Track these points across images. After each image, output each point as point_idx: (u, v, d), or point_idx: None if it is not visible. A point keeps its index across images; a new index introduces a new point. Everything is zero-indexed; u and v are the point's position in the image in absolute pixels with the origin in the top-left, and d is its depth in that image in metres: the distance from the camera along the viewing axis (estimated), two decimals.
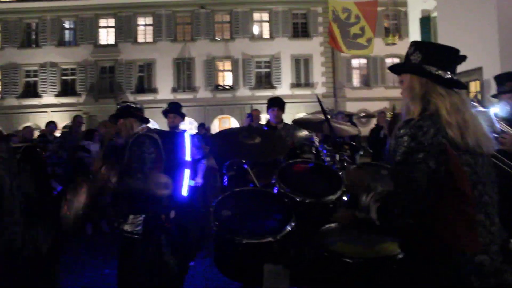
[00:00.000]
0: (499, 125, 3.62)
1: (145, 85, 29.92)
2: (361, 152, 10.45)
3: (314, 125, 3.88)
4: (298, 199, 3.25)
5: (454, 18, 15.45)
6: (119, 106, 4.37)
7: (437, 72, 2.14)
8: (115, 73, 29.87)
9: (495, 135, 3.41)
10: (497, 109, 4.00)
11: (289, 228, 2.99)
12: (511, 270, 1.99)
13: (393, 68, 2.42)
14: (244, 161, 4.35)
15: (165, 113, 6.17)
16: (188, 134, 5.83)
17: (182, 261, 4.58)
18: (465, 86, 2.22)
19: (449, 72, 2.16)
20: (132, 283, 3.95)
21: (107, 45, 30.15)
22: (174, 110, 6.09)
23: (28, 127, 11.06)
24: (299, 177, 3.62)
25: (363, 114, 27.82)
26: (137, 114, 4.24)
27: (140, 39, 30.36)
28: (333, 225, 3.06)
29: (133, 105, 4.34)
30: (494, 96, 4.13)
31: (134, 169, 3.87)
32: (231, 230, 2.97)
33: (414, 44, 2.27)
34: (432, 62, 2.16)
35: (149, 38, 30.26)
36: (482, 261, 1.94)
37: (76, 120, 10.20)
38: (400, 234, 2.28)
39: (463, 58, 2.23)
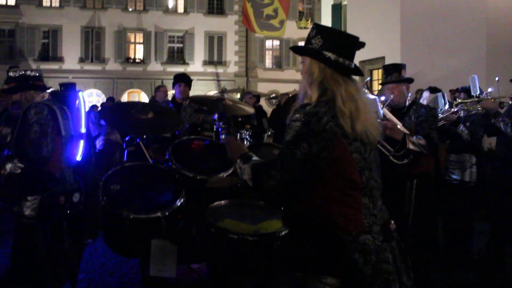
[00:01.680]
0: (382, 111, 3.85)
1: (50, 53, 28.28)
2: (269, 133, 10.66)
3: (210, 102, 3.89)
4: (189, 175, 3.27)
5: (362, 8, 16.12)
6: (12, 75, 4.00)
7: (336, 59, 2.16)
8: (15, 37, 27.88)
9: (379, 120, 3.65)
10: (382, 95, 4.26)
11: (178, 203, 3.01)
12: (390, 248, 2.13)
13: (295, 49, 2.41)
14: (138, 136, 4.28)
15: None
16: (83, 104, 5.60)
17: (79, 242, 4.43)
18: (362, 73, 2.29)
19: (347, 60, 2.18)
20: (26, 269, 3.75)
21: (7, 6, 28.01)
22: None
23: None
24: (194, 154, 3.64)
25: (273, 95, 28.28)
26: (36, 84, 3.97)
27: (46, 2, 28.52)
28: (222, 202, 3.11)
29: (31, 74, 4.00)
30: (381, 84, 4.36)
31: (32, 140, 3.64)
32: (119, 205, 2.93)
33: (315, 27, 2.26)
34: (332, 49, 2.17)
35: (56, 2, 28.53)
36: (365, 240, 2.05)
37: None
38: (285, 211, 2.37)
39: (362, 44, 2.26)
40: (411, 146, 3.65)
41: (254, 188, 2.24)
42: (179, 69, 28.40)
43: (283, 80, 29.67)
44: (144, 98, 28.43)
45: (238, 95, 23.03)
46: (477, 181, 5.57)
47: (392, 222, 2.24)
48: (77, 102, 5.14)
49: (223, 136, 3.73)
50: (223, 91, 3.75)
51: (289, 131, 2.09)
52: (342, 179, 2.08)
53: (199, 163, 3.49)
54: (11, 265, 3.93)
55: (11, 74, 4.05)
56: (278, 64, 31.51)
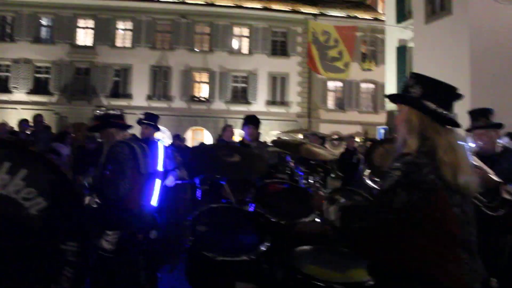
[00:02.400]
0: (472, 159, 3.70)
1: (120, 90, 29.57)
2: (333, 175, 10.58)
3: (292, 147, 3.92)
4: (273, 220, 3.28)
5: (429, 50, 15.90)
6: (97, 114, 4.26)
7: (436, 110, 2.15)
8: (90, 75, 29.40)
9: None
10: (471, 144, 4.05)
11: (263, 248, 3.01)
12: None
13: (393, 97, 2.40)
14: (219, 176, 4.36)
15: (140, 122, 6.13)
16: (162, 144, 5.80)
17: (154, 277, 4.52)
18: (459, 125, 2.25)
19: (446, 110, 2.16)
20: None
21: (84, 46, 29.71)
22: (150, 121, 6.07)
23: (3, 124, 10.63)
24: (275, 197, 3.66)
25: (335, 136, 28.18)
26: (117, 123, 4.17)
27: (119, 43, 30.07)
28: (306, 247, 3.10)
29: (112, 113, 4.20)
30: (468, 130, 4.17)
31: (110, 179, 3.80)
32: (206, 246, 2.97)
33: (415, 76, 2.26)
34: (432, 98, 2.16)
35: (128, 43, 30.01)
36: None
37: (37, 120, 9.74)
38: (374, 263, 2.32)
39: (460, 96, 2.24)
40: (506, 196, 3.45)
41: (340, 229, 2.22)
42: (242, 108, 28.95)
43: (345, 122, 29.54)
44: (207, 135, 29.04)
45: (300, 136, 23.05)
46: None
47: (495, 280, 2.16)
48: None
49: (305, 181, 3.77)
50: (307, 136, 3.78)
51: (388, 179, 2.08)
52: (442, 232, 2.04)
53: (280, 206, 3.51)
54: None
55: (96, 113, 4.28)
56: (341, 105, 31.41)
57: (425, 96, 2.17)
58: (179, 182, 7.33)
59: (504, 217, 3.48)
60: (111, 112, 4.24)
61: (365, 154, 4.11)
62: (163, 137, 23.25)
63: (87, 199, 3.80)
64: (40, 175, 2.35)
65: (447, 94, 2.22)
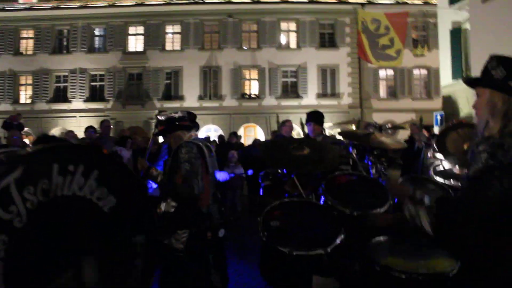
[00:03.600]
0: None
1: (172, 93, 30.16)
2: (394, 165, 10.34)
3: (361, 137, 3.86)
4: (346, 212, 3.24)
5: (487, 30, 15.23)
6: (161, 119, 4.28)
7: None
8: (142, 80, 30.21)
9: None
10: None
11: (338, 240, 2.98)
12: None
13: (473, 81, 2.35)
14: (284, 171, 4.35)
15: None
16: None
17: (225, 274, 4.57)
18: None
19: None
20: None
21: (136, 52, 30.55)
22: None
23: (71, 131, 11.06)
24: (345, 189, 3.61)
25: (389, 125, 27.61)
26: (183, 124, 4.22)
27: (168, 46, 30.67)
28: (382, 238, 3.03)
29: (177, 116, 4.24)
30: None
31: (184, 179, 3.84)
32: (280, 241, 2.97)
33: (496, 58, 2.21)
34: None
35: (177, 46, 30.55)
36: None
37: (104, 125, 10.12)
38: (464, 252, 2.24)
39: None
40: None
41: (436, 228, 2.15)
42: (293, 102, 28.89)
43: (398, 110, 28.87)
44: (259, 132, 29.14)
45: (353, 127, 22.76)
46: None
47: None
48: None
49: (374, 171, 3.70)
50: (372, 125, 3.71)
51: (475, 164, 2.02)
52: None
53: (351, 198, 3.45)
54: None
55: (160, 118, 4.32)
56: (393, 93, 30.72)
57: (509, 77, 2.12)
58: (232, 175, 7.37)
59: None
60: (175, 115, 4.28)
61: (437, 141, 3.99)
62: (215, 135, 23.55)
63: (162, 206, 3.87)
64: (110, 174, 2.45)
65: None
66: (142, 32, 30.73)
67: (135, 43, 30.87)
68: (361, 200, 3.42)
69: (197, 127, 5.90)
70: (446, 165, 3.92)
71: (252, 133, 29.55)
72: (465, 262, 2.35)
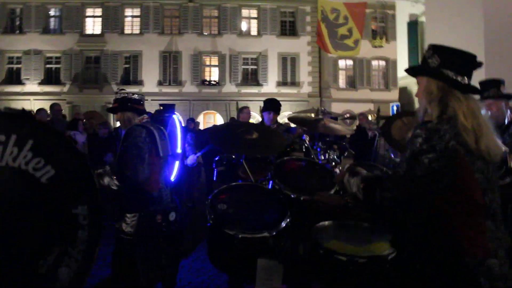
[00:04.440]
0: None
1: (130, 77, 29.69)
2: (346, 154, 10.55)
3: (309, 123, 3.91)
4: (293, 196, 3.28)
5: (441, 24, 15.55)
6: (116, 96, 4.24)
7: (454, 77, 2.17)
8: (100, 64, 29.56)
9: None
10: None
11: (284, 224, 3.02)
12: None
13: (411, 71, 2.43)
14: (234, 156, 4.36)
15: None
16: (178, 120, 5.81)
17: (176, 259, 4.56)
18: (480, 91, 2.26)
19: (466, 78, 2.19)
20: (124, 281, 3.91)
21: (93, 35, 29.82)
22: (169, 112, 6.16)
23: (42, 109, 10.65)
24: (293, 174, 3.65)
25: (347, 115, 28.02)
26: (135, 107, 4.16)
27: (127, 30, 30.09)
28: (326, 222, 3.09)
29: (131, 97, 4.18)
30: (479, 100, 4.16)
31: (131, 161, 3.81)
32: (227, 224, 2.99)
33: (432, 47, 2.28)
34: (450, 67, 2.18)
35: (136, 30, 30.01)
36: (492, 265, 2.00)
37: (55, 109, 9.88)
38: (398, 234, 2.32)
39: (480, 64, 2.25)
40: None
41: (363, 200, 2.23)
42: (253, 90, 28.91)
43: (357, 100, 29.36)
44: (219, 119, 29.06)
45: (313, 115, 22.99)
46: None
47: None
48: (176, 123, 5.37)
49: (322, 157, 3.75)
50: (323, 111, 3.76)
51: (410, 146, 2.08)
52: (465, 200, 2.04)
53: (299, 183, 3.50)
54: (111, 275, 4.10)
55: (116, 95, 4.27)
56: (352, 83, 31.20)
57: (443, 65, 2.19)
58: (194, 164, 7.39)
59: (510, 185, 3.50)
60: (131, 96, 4.22)
61: (383, 128, 4.09)
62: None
63: (106, 181, 3.83)
64: (46, 144, 2.38)
65: (465, 61, 2.24)
66: (100, 14, 29.99)
67: (93, 26, 30.11)
68: (308, 185, 3.47)
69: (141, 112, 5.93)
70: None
71: (211, 120, 29.46)
72: (401, 244, 2.43)
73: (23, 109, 2.41)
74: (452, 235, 2.04)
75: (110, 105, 4.46)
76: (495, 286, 1.98)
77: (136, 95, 4.27)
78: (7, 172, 2.16)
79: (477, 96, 2.32)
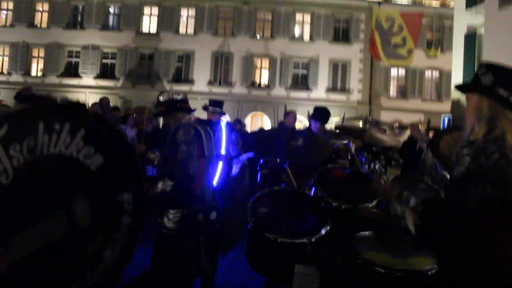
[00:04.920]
0: None
1: (182, 76, 30.22)
2: (393, 163, 10.37)
3: (356, 132, 3.89)
4: (334, 204, 3.29)
5: (501, 37, 15.11)
6: (161, 99, 4.33)
7: (508, 96, 2.12)
8: (154, 61, 30.25)
9: None
10: None
11: (324, 231, 3.03)
12: None
13: (463, 87, 2.38)
14: (280, 160, 4.40)
15: (206, 107, 6.30)
16: (225, 124, 5.88)
17: (215, 257, 4.63)
18: None
19: None
20: (163, 275, 4.00)
21: (149, 33, 30.61)
22: (215, 106, 6.24)
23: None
24: (336, 182, 3.65)
25: (397, 124, 27.52)
26: (183, 106, 4.26)
27: (182, 30, 30.68)
28: (367, 233, 3.08)
29: (177, 97, 4.28)
30: None
31: (180, 160, 3.89)
32: (267, 227, 3.02)
33: (486, 65, 2.23)
34: (504, 86, 2.13)
35: (190, 30, 30.54)
36: None
37: (104, 102, 10.08)
38: (441, 250, 2.29)
39: None
40: None
41: (419, 232, 2.20)
42: (302, 95, 28.84)
43: (407, 110, 28.76)
44: (266, 121, 29.13)
45: (361, 123, 22.72)
46: None
47: None
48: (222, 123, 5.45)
49: (366, 166, 3.74)
50: (371, 122, 3.74)
51: (458, 167, 2.06)
52: None
53: (342, 191, 3.50)
54: (151, 268, 4.20)
55: (160, 98, 4.36)
56: (403, 93, 30.60)
57: (497, 84, 2.14)
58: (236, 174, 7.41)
59: None
60: (176, 96, 4.32)
61: (431, 142, 4.03)
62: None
63: (159, 185, 3.93)
64: (96, 133, 2.48)
65: None
66: (156, 13, 30.72)
67: (149, 24, 30.88)
68: (351, 194, 3.46)
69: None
70: None
71: (259, 122, 29.54)
72: (444, 263, 2.39)
73: (77, 101, 2.52)
74: (498, 257, 2.00)
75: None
76: None
77: (181, 94, 4.37)
78: (60, 159, 2.26)
79: None
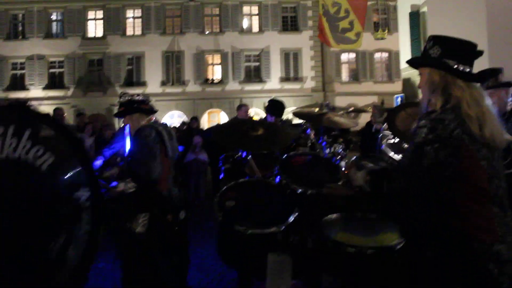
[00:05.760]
0: None
1: (134, 78, 29.74)
2: (351, 146, 10.55)
3: (314, 117, 3.93)
4: (300, 190, 3.31)
5: (443, 14, 15.54)
6: (122, 101, 4.25)
7: (456, 66, 2.18)
8: (103, 66, 29.64)
9: None
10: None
11: (292, 218, 3.05)
12: None
13: (413, 62, 2.44)
14: (242, 152, 4.39)
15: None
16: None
17: (187, 257, 4.60)
18: (483, 80, 2.28)
19: (467, 66, 2.20)
20: (137, 282, 3.94)
21: (95, 38, 29.92)
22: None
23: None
24: (299, 169, 3.68)
25: (351, 108, 27.97)
26: (142, 108, 4.20)
27: (129, 31, 30.16)
28: (334, 215, 3.13)
29: (137, 98, 4.21)
30: None
31: (144, 160, 3.84)
32: (236, 221, 3.02)
33: (433, 38, 2.30)
34: (451, 56, 2.20)
35: (138, 31, 30.06)
36: (500, 250, 2.02)
37: (57, 113, 9.90)
38: (406, 223, 2.35)
39: (481, 52, 2.27)
40: None
41: (371, 191, 2.26)
42: (256, 87, 28.91)
43: (360, 93, 29.27)
44: (223, 117, 29.08)
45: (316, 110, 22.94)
46: None
47: None
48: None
49: (327, 150, 3.77)
50: (326, 105, 3.79)
51: (415, 137, 2.11)
52: (471, 187, 2.06)
53: (305, 177, 3.52)
54: (122, 278, 4.12)
55: (120, 99, 4.30)
56: (355, 77, 31.14)
57: (445, 55, 2.21)
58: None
59: None
60: (136, 97, 4.25)
61: (387, 120, 4.12)
62: (179, 121, 23.36)
63: (121, 186, 3.86)
64: (43, 131, 2.38)
65: (466, 51, 2.26)
66: (101, 16, 30.06)
67: (95, 28, 30.22)
68: (315, 179, 3.49)
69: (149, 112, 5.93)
70: (397, 139, 4.09)
71: (216, 119, 29.47)
72: (410, 234, 2.45)
73: (18, 100, 2.43)
74: (460, 222, 2.06)
75: (114, 107, 4.48)
76: (504, 271, 2.00)
77: (141, 96, 4.31)
78: (8, 164, 2.18)
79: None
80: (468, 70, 2.20)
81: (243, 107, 7.90)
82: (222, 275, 5.67)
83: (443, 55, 2.21)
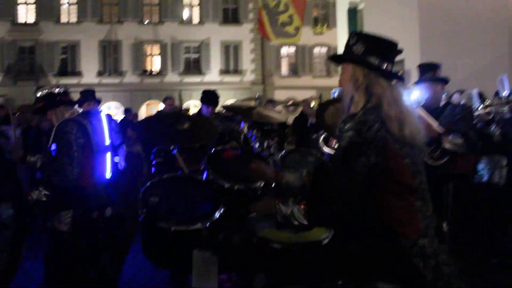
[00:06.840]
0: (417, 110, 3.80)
1: (68, 68, 28.75)
2: (289, 139, 10.66)
3: (244, 111, 3.88)
4: (226, 185, 3.26)
5: (379, 12, 16.03)
6: (40, 95, 3.98)
7: (379, 64, 2.19)
8: (35, 54, 28.44)
9: None
10: (416, 95, 4.19)
11: (218, 214, 2.99)
12: (445, 251, 2.15)
13: (336, 58, 2.45)
14: (172, 147, 4.28)
15: (80, 103, 5.96)
16: (104, 115, 5.64)
17: (116, 255, 4.44)
18: (403, 78, 2.31)
19: (389, 64, 2.22)
20: (60, 283, 3.76)
21: (27, 24, 28.63)
22: (88, 97, 6.01)
23: None
24: (228, 164, 3.62)
25: (290, 102, 28.30)
26: (64, 99, 3.98)
27: (64, 18, 29.05)
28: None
29: (57, 91, 3.96)
30: (415, 83, 4.36)
31: (59, 163, 3.64)
32: (159, 217, 2.92)
33: (356, 35, 2.29)
34: (374, 54, 2.20)
35: (73, 18, 29.02)
36: (424, 244, 2.07)
37: None
38: (334, 222, 2.36)
39: (400, 51, 2.30)
40: (447, 146, 3.61)
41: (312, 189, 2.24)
42: (196, 79, 28.65)
43: (300, 87, 29.67)
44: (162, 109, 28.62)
45: (253, 103, 23.08)
46: (508, 182, 5.46)
47: (445, 224, 2.24)
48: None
49: (257, 145, 3.74)
50: (258, 98, 3.74)
51: (342, 141, 2.11)
52: (397, 184, 2.10)
53: (234, 172, 3.47)
54: (44, 279, 3.94)
55: (38, 94, 4.03)
56: (294, 71, 31.54)
57: (368, 52, 2.21)
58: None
59: (445, 165, 3.65)
60: (55, 90, 4.01)
61: (316, 115, 4.16)
62: (116, 113, 22.77)
63: (34, 194, 3.66)
64: None
65: (388, 48, 2.28)
66: (33, 1, 28.66)
67: (26, 13, 28.83)
68: (243, 174, 3.44)
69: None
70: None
71: (155, 111, 28.92)
72: (336, 231, 2.46)
73: None
74: (385, 218, 2.10)
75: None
76: (428, 264, 2.05)
77: (60, 88, 4.07)
78: None
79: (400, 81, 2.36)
80: (390, 68, 2.22)
81: (167, 100, 7.84)
82: (155, 271, 5.56)
83: (366, 53, 2.21)
